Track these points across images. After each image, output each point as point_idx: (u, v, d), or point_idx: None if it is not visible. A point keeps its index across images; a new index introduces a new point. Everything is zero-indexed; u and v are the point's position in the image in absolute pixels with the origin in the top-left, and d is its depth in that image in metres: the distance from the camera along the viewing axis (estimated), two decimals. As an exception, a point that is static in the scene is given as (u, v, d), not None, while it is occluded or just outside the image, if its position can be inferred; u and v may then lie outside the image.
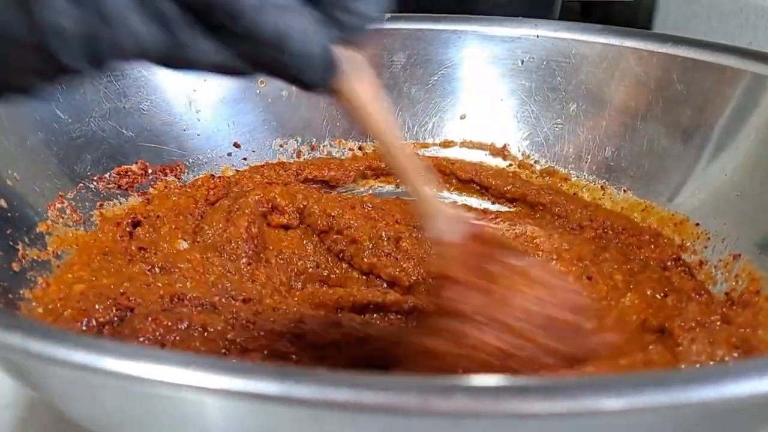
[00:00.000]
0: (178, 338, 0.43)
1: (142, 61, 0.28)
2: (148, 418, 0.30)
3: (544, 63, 0.68)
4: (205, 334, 0.43)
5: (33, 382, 0.34)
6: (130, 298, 0.45)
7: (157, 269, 0.50)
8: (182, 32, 0.27)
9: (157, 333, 0.42)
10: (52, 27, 0.25)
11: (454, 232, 0.38)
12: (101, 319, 0.44)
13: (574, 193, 0.65)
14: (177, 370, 0.24)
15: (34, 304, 0.45)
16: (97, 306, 0.44)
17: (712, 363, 0.43)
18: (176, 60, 0.29)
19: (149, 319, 0.43)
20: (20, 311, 0.44)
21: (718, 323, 0.47)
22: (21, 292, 0.45)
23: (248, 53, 0.29)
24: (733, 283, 0.51)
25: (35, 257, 0.48)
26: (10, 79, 0.27)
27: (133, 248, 0.52)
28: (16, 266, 0.46)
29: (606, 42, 0.65)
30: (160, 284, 0.48)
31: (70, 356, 0.25)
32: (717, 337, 0.44)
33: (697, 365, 0.42)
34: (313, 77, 0.31)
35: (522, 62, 0.69)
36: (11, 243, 0.47)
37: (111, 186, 0.58)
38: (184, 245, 0.53)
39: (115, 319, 0.44)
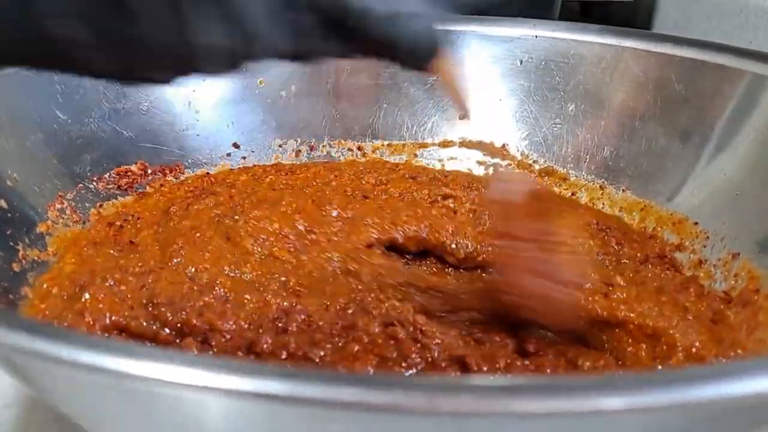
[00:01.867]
0: None
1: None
2: (151, 420, 0.30)
3: (543, 63, 0.68)
4: None
5: (34, 382, 0.34)
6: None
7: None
8: (314, 39, 0.31)
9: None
10: (203, 45, 0.28)
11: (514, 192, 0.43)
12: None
13: (573, 193, 0.65)
14: (182, 369, 0.24)
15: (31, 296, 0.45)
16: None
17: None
18: (303, 59, 0.32)
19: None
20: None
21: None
22: (22, 292, 0.45)
23: (371, 50, 0.33)
24: (732, 282, 0.51)
25: (35, 258, 0.48)
26: (154, 73, 0.30)
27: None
28: (16, 267, 0.46)
29: (604, 42, 0.66)
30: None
31: (72, 356, 0.25)
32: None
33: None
34: (418, 61, 0.34)
35: (521, 62, 0.69)
36: (11, 243, 0.47)
37: (111, 186, 0.58)
38: None
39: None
